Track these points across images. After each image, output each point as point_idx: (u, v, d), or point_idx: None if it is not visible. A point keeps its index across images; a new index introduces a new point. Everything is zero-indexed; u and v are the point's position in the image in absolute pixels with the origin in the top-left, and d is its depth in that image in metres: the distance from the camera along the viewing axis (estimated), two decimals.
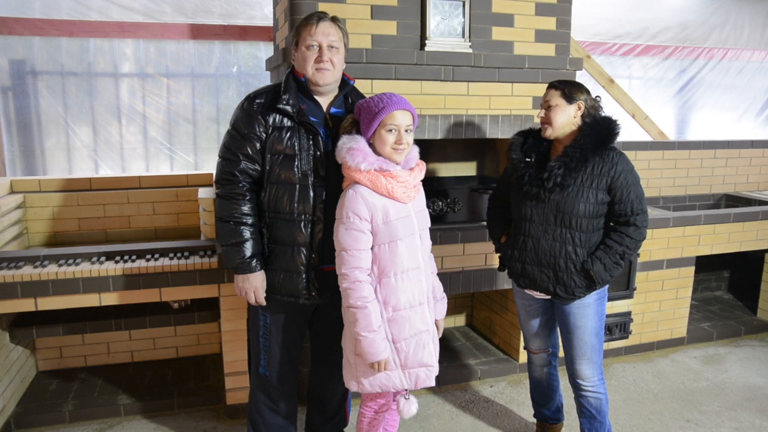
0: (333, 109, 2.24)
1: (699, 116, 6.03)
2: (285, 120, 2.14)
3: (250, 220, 2.16)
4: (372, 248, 2.02)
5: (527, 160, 2.40)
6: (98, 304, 2.74)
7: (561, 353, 2.70)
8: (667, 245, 3.70)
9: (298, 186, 2.14)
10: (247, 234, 2.15)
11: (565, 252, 2.33)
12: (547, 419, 2.82)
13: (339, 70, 2.18)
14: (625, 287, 3.64)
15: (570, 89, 2.32)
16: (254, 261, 2.16)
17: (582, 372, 2.48)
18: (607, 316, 3.56)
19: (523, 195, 2.39)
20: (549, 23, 3.22)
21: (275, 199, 2.15)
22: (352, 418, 2.74)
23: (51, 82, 3.96)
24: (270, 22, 4.12)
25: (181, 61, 4.18)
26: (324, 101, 2.23)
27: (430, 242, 2.22)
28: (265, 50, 4.31)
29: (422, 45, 3.01)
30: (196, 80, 4.24)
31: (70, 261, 2.75)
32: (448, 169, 3.67)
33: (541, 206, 2.35)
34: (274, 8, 3.44)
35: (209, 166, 4.35)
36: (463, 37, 3.07)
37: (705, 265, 4.58)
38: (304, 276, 2.18)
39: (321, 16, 2.14)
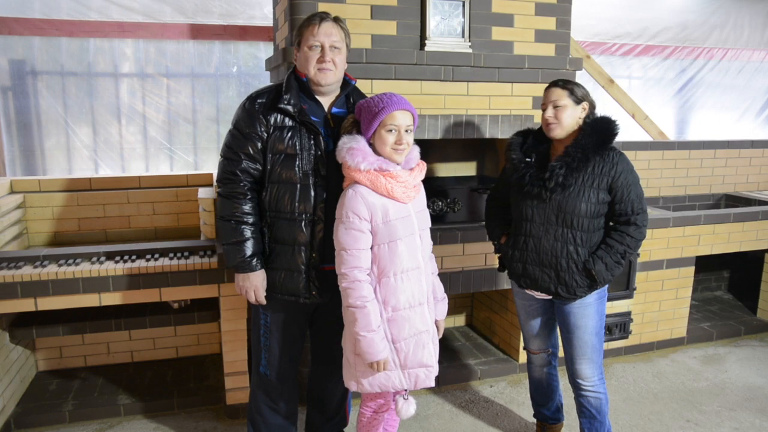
0: (335, 109, 2.25)
1: (699, 116, 6.03)
2: (286, 120, 2.15)
3: (251, 219, 2.16)
4: (372, 248, 2.03)
5: (527, 160, 2.40)
6: (98, 304, 2.74)
7: (561, 353, 2.71)
8: (667, 245, 3.70)
9: (299, 185, 2.14)
10: (248, 233, 2.16)
11: (566, 252, 2.33)
12: (547, 419, 2.82)
13: (341, 70, 2.19)
14: (624, 287, 3.64)
15: (577, 90, 2.34)
16: (255, 260, 2.17)
17: (582, 372, 2.48)
18: (607, 316, 3.57)
19: (524, 195, 2.39)
20: (549, 23, 3.22)
21: (276, 199, 2.16)
22: (352, 418, 2.74)
23: (51, 82, 3.96)
24: (270, 22, 4.12)
25: (181, 61, 4.18)
26: (325, 101, 2.23)
27: (431, 242, 2.23)
28: (265, 50, 4.31)
29: (422, 45, 3.01)
30: (196, 80, 4.24)
31: (70, 261, 2.75)
32: (447, 169, 3.67)
33: (543, 206, 2.35)
34: (274, 8, 3.44)
35: (209, 166, 4.35)
36: (463, 37, 3.07)
37: (705, 265, 4.58)
38: (304, 275, 2.19)
39: (323, 17, 2.15)
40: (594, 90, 4.97)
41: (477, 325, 4.09)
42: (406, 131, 2.04)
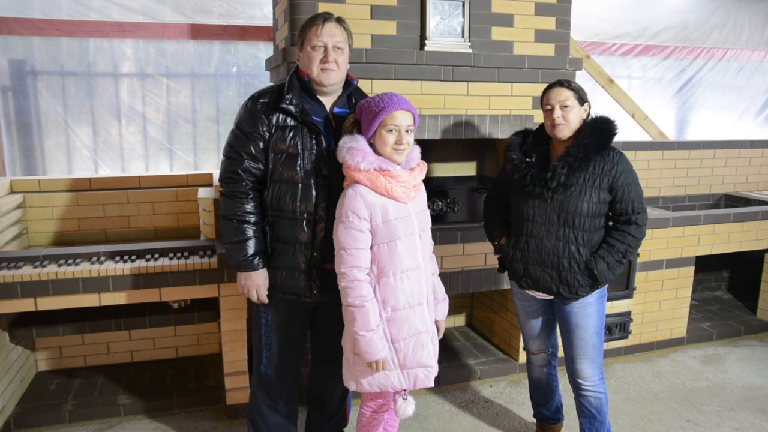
0: (337, 109, 2.25)
1: (698, 116, 6.04)
2: (288, 119, 2.16)
3: (253, 219, 2.17)
4: (371, 247, 2.03)
5: (527, 160, 2.39)
6: (98, 304, 2.74)
7: (560, 353, 2.71)
8: (667, 245, 3.71)
9: (300, 185, 2.15)
10: (249, 232, 2.17)
11: (568, 252, 2.34)
12: (547, 419, 2.82)
13: (343, 70, 2.20)
14: (624, 287, 3.64)
15: (581, 91, 2.36)
16: (257, 259, 2.18)
17: (583, 371, 2.48)
18: (607, 316, 3.57)
19: (525, 195, 2.39)
20: (549, 23, 3.22)
21: (278, 198, 2.17)
22: (352, 418, 2.74)
23: (51, 82, 3.96)
24: (270, 22, 4.12)
25: (180, 61, 4.18)
26: (327, 101, 2.24)
27: (431, 243, 2.23)
28: (264, 50, 4.31)
29: (422, 45, 3.01)
30: (196, 80, 4.24)
31: (70, 261, 2.75)
32: (447, 169, 3.67)
33: (544, 206, 2.35)
34: (274, 8, 3.44)
35: (209, 166, 4.35)
36: (463, 37, 3.07)
37: (705, 265, 4.58)
38: (305, 274, 2.20)
39: (327, 17, 2.16)
40: (594, 90, 4.97)
41: (477, 325, 4.09)
42: (407, 131, 2.04)
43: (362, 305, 1.99)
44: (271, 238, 2.22)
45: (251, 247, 2.16)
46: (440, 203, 3.40)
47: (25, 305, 2.67)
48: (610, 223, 2.43)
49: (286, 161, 2.15)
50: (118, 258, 2.82)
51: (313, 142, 2.15)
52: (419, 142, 2.18)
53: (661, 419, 3.05)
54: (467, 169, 3.71)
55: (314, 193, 2.16)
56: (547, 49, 3.24)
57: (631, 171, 2.35)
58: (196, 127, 4.28)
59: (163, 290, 2.79)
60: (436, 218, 3.36)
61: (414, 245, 2.06)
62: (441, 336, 2.28)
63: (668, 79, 5.82)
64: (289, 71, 2.79)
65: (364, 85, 2.83)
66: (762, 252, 4.24)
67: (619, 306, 3.67)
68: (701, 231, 3.77)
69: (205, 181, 3.61)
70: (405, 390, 2.14)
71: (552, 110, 2.33)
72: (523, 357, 3.45)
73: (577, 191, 2.30)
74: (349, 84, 2.28)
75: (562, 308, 2.47)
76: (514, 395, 3.28)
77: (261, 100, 2.18)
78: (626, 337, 3.74)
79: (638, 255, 3.61)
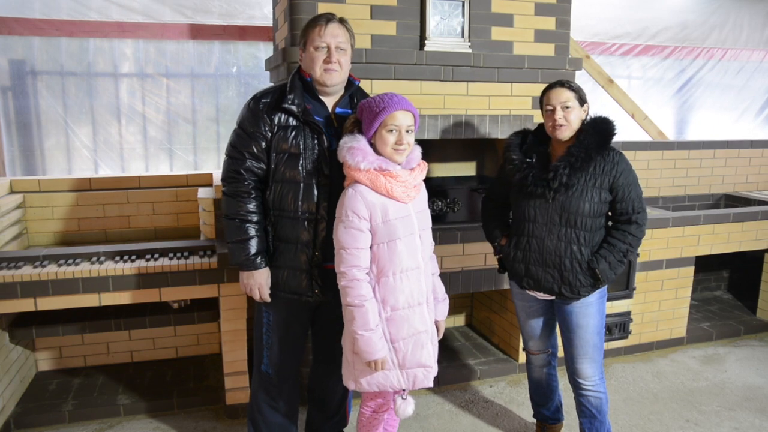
0: (339, 109, 2.26)
1: (698, 116, 6.04)
2: (290, 119, 2.17)
3: (255, 218, 2.18)
4: (371, 247, 2.03)
5: (528, 160, 2.39)
6: (98, 304, 2.74)
7: (560, 353, 2.71)
8: (667, 245, 3.71)
9: (302, 184, 2.16)
10: (252, 231, 2.18)
11: (570, 252, 2.34)
12: (547, 419, 2.82)
13: (346, 71, 2.22)
14: (624, 287, 3.64)
15: (581, 91, 2.36)
16: (259, 258, 2.19)
17: (583, 371, 2.48)
18: (607, 316, 3.57)
19: (526, 196, 2.38)
20: (548, 23, 3.22)
21: (280, 198, 2.18)
22: (352, 418, 2.74)
23: (51, 82, 3.96)
24: (269, 22, 4.12)
25: (180, 61, 4.18)
26: (329, 101, 2.25)
27: (432, 243, 2.23)
28: (264, 50, 4.31)
29: (422, 45, 3.01)
30: (196, 80, 4.24)
31: (70, 261, 2.75)
32: (447, 169, 3.67)
33: (545, 206, 2.35)
34: (274, 8, 3.44)
35: (209, 166, 4.35)
36: (463, 37, 3.07)
37: (704, 265, 4.58)
38: (307, 273, 2.20)
39: (329, 18, 2.17)
40: (594, 90, 4.97)
41: (477, 325, 4.09)
42: (407, 131, 2.04)
43: (361, 304, 1.99)
44: (273, 237, 2.23)
45: (253, 246, 2.17)
46: (440, 203, 3.40)
47: (25, 305, 2.67)
48: (610, 223, 2.44)
49: (288, 161, 2.16)
50: (118, 258, 2.82)
51: (315, 141, 2.16)
52: (419, 142, 2.18)
53: (661, 419, 3.05)
54: (467, 169, 3.72)
55: (316, 192, 2.16)
56: (547, 49, 3.24)
57: (631, 171, 2.36)
58: (195, 127, 4.28)
59: (163, 290, 2.79)
60: (436, 218, 3.36)
61: (414, 245, 2.06)
62: (441, 336, 2.28)
63: (668, 79, 5.82)
64: (288, 71, 2.80)
65: (364, 85, 2.83)
66: (762, 252, 4.24)
67: (619, 306, 3.67)
68: (701, 231, 3.77)
69: (205, 181, 3.61)
70: (404, 390, 2.14)
71: (553, 111, 2.32)
72: (522, 357, 3.45)
73: (579, 191, 2.30)
74: (351, 84, 2.30)
75: (562, 308, 2.47)
76: (513, 395, 3.28)
77: (263, 100, 2.19)
78: (626, 337, 3.74)
79: (638, 255, 3.61)
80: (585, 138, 2.30)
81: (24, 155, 4.02)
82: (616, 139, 2.37)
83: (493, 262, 3.27)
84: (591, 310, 2.43)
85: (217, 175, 3.46)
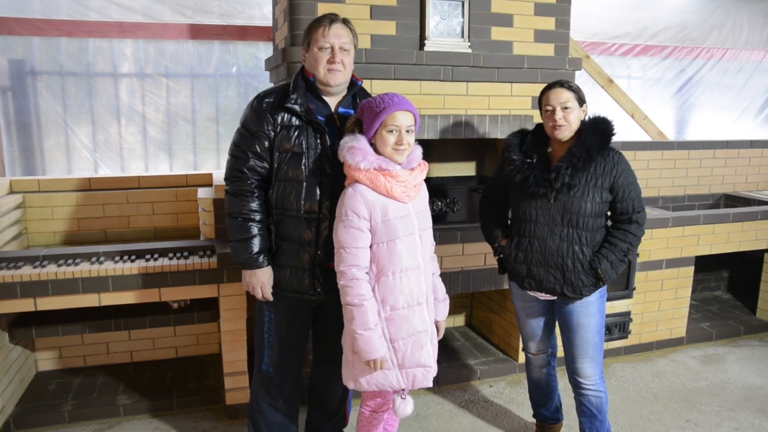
0: (341, 109, 2.27)
1: (698, 116, 6.04)
2: (293, 119, 2.18)
3: (258, 217, 2.19)
4: (371, 246, 2.03)
5: (528, 161, 2.39)
6: (98, 304, 2.74)
7: (559, 353, 2.71)
8: (667, 245, 3.71)
9: (305, 184, 2.17)
10: (255, 230, 2.18)
11: (572, 252, 2.34)
12: (547, 419, 2.82)
13: (349, 71, 2.23)
14: (624, 287, 3.64)
15: (580, 91, 2.36)
16: (261, 257, 2.20)
17: (584, 370, 2.48)
18: (607, 316, 3.57)
19: (528, 196, 2.38)
20: (548, 23, 3.22)
21: (283, 197, 2.19)
22: (352, 418, 2.74)
23: (50, 82, 3.96)
24: (269, 22, 4.12)
25: (180, 61, 4.18)
26: (332, 101, 2.26)
27: (433, 243, 2.23)
28: (264, 50, 4.31)
29: (421, 45, 3.01)
30: (196, 80, 4.24)
31: (70, 261, 2.75)
32: (447, 169, 3.67)
33: (547, 207, 2.35)
34: (274, 8, 3.44)
35: (208, 166, 4.35)
36: (463, 37, 3.07)
37: (704, 265, 4.58)
38: (309, 272, 2.21)
39: (333, 18, 2.18)
40: (593, 90, 4.97)
41: (476, 324, 4.09)
42: (408, 132, 2.04)
43: (361, 304, 1.99)
44: (275, 236, 2.24)
45: (256, 245, 2.18)
46: (440, 203, 3.40)
47: (25, 305, 2.67)
48: (609, 223, 2.44)
49: (291, 160, 2.17)
50: (117, 258, 2.82)
51: (318, 141, 2.17)
52: (419, 142, 2.18)
53: (661, 419, 3.05)
54: (467, 169, 3.72)
55: (318, 191, 2.17)
56: (547, 49, 3.25)
57: (631, 170, 2.37)
58: (195, 127, 4.28)
59: (163, 290, 2.79)
60: (436, 218, 3.35)
61: (414, 245, 2.07)
62: (441, 336, 2.28)
63: (668, 79, 5.82)
64: (288, 71, 2.80)
65: (363, 85, 2.83)
66: (761, 252, 4.24)
67: (619, 306, 3.67)
68: (701, 231, 3.77)
69: (205, 181, 3.61)
70: (404, 390, 2.14)
71: (553, 111, 2.32)
72: (522, 357, 3.44)
73: (580, 191, 2.31)
74: (353, 84, 2.31)
75: (563, 308, 2.47)
76: (513, 395, 3.28)
77: (266, 100, 2.20)
78: (626, 337, 3.74)
79: (638, 255, 3.62)
80: (586, 138, 2.30)
81: (24, 155, 4.02)
82: (615, 139, 2.37)
83: (492, 262, 3.27)
84: (592, 310, 2.43)
85: (217, 175, 3.46)
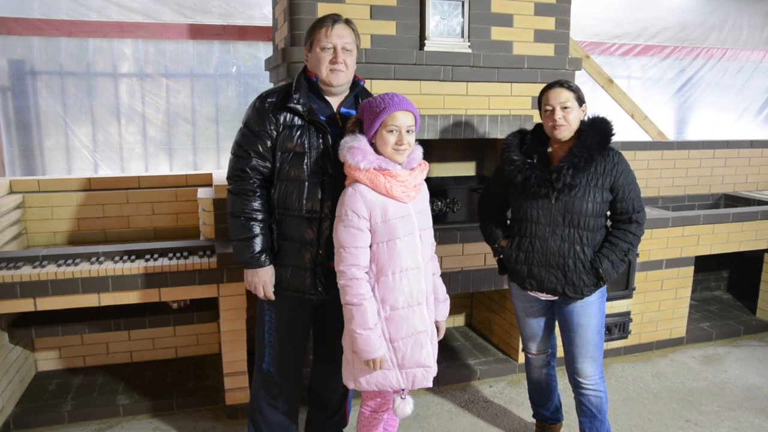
0: (343, 109, 2.28)
1: (698, 116, 6.04)
2: (296, 119, 2.19)
3: (260, 216, 2.20)
4: (370, 246, 2.03)
5: (529, 161, 2.39)
6: (97, 305, 2.74)
7: (558, 353, 2.71)
8: (667, 245, 3.71)
9: (307, 183, 2.18)
10: (257, 229, 2.19)
11: (573, 252, 2.34)
12: (547, 419, 2.82)
13: (351, 71, 2.23)
14: (624, 287, 3.64)
15: (579, 91, 2.36)
16: (263, 256, 2.20)
17: (584, 370, 2.48)
18: (607, 316, 3.56)
19: (529, 196, 2.38)
20: (548, 23, 3.22)
21: (285, 196, 2.19)
22: (352, 418, 2.74)
23: (50, 82, 3.96)
24: (269, 22, 4.12)
25: (180, 61, 4.18)
26: (334, 101, 2.27)
27: (433, 243, 2.23)
28: (264, 50, 4.31)
29: (421, 45, 3.01)
30: (196, 80, 4.24)
31: (69, 261, 2.75)
32: (447, 169, 3.67)
33: (549, 207, 2.35)
34: (274, 8, 3.44)
35: (208, 166, 4.35)
36: (462, 37, 3.07)
37: (704, 265, 4.58)
38: (310, 272, 2.21)
39: (336, 19, 2.18)
40: (593, 90, 4.97)
41: (476, 325, 4.09)
42: (408, 132, 2.04)
43: (360, 303, 1.99)
44: (277, 235, 2.24)
45: (258, 244, 2.19)
46: (439, 203, 3.40)
47: (25, 305, 2.66)
48: (608, 222, 2.44)
49: (293, 160, 2.17)
50: (117, 258, 2.82)
51: (320, 141, 2.18)
52: (419, 142, 2.18)
53: (661, 419, 3.05)
54: (466, 169, 3.72)
55: (320, 191, 2.18)
56: (547, 49, 3.24)
57: (630, 170, 2.38)
58: (195, 127, 4.28)
59: (163, 290, 2.79)
60: (436, 218, 3.35)
61: (414, 245, 2.07)
62: (441, 337, 2.28)
63: (667, 79, 5.82)
64: (288, 71, 2.80)
65: (364, 85, 2.84)
66: (761, 252, 4.24)
67: (619, 306, 3.67)
68: (701, 231, 3.77)
69: (205, 181, 3.61)
70: (403, 389, 2.14)
71: (553, 111, 2.32)
72: (522, 357, 3.44)
73: (581, 192, 2.31)
74: (356, 85, 2.31)
75: (563, 308, 2.47)
76: (513, 395, 3.28)
77: (269, 99, 2.21)
78: (626, 337, 3.74)
79: (638, 255, 3.61)
80: (586, 138, 2.30)
81: (23, 155, 4.01)
82: (615, 139, 2.37)
83: (492, 262, 3.27)
84: (592, 309, 2.43)
85: (217, 175, 3.46)
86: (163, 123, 4.21)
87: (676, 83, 5.86)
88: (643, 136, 5.07)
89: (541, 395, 2.77)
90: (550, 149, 2.44)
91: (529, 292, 2.51)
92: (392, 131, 2.02)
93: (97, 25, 3.95)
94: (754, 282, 4.41)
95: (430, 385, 2.15)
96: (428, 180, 2.27)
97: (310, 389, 2.60)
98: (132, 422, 2.98)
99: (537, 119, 3.21)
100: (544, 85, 2.44)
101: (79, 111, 4.05)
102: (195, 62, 4.21)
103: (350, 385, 2.16)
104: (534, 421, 2.91)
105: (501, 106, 3.19)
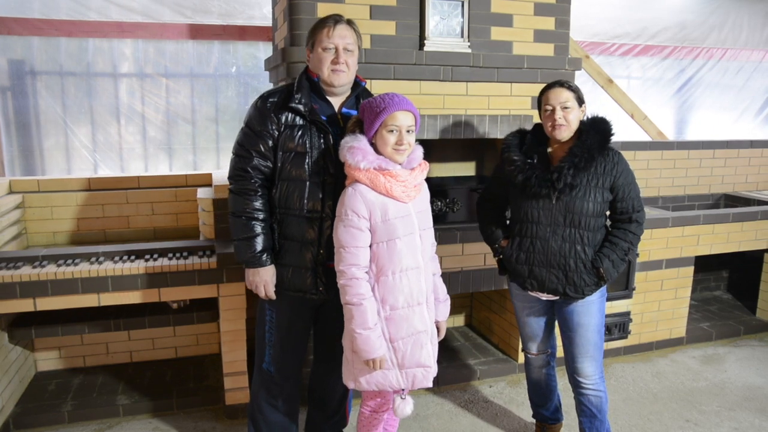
0: (345, 109, 2.29)
1: (698, 116, 6.04)
2: (297, 118, 2.19)
3: (261, 216, 2.20)
4: (370, 246, 2.03)
5: (529, 161, 2.39)
6: (97, 305, 2.73)
7: (558, 353, 2.71)
8: (666, 245, 3.71)
9: (308, 183, 2.18)
10: (258, 229, 2.19)
11: (574, 252, 2.34)
12: (546, 419, 2.82)
13: (353, 71, 2.24)
14: (624, 287, 3.64)
15: (579, 91, 2.37)
16: (264, 255, 2.20)
17: (584, 370, 2.48)
18: (607, 316, 3.56)
19: (529, 197, 2.38)
20: (548, 23, 3.22)
21: (286, 196, 2.20)
22: (352, 419, 2.74)
23: (50, 82, 3.96)
24: (269, 22, 4.12)
25: (180, 61, 4.18)
26: (336, 101, 2.27)
27: (434, 243, 2.23)
28: (264, 50, 4.31)
29: (421, 45, 3.01)
30: (195, 80, 4.24)
31: (69, 261, 2.74)
32: (447, 169, 3.67)
33: (549, 207, 2.35)
34: (273, 8, 3.44)
35: (208, 166, 4.35)
36: (462, 37, 3.07)
37: (704, 265, 4.58)
38: (311, 271, 2.22)
39: (337, 19, 2.19)
40: (593, 90, 4.97)
41: (476, 325, 4.09)
42: (408, 132, 2.05)
43: (360, 303, 1.99)
44: (278, 235, 2.25)
45: (259, 243, 2.19)
46: (439, 203, 3.40)
47: (24, 305, 2.66)
48: (608, 222, 2.44)
49: (295, 159, 2.18)
50: (117, 258, 2.82)
51: (321, 141, 2.18)
52: (419, 142, 2.18)
53: (661, 419, 3.05)
54: (466, 169, 3.72)
55: (321, 191, 2.18)
56: (547, 49, 3.24)
57: (630, 170, 2.38)
58: (195, 127, 4.28)
59: (163, 290, 2.79)
60: (436, 218, 3.35)
61: (414, 245, 2.07)
62: (442, 337, 2.28)
63: (667, 79, 5.82)
64: (288, 71, 2.80)
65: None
66: (761, 252, 4.24)
67: (619, 306, 3.67)
68: (701, 231, 3.77)
69: (205, 181, 3.60)
70: (403, 389, 2.14)
71: (553, 111, 2.32)
72: (522, 357, 3.43)
73: (582, 191, 2.31)
74: (357, 85, 2.32)
75: (564, 308, 2.47)
76: (513, 395, 3.28)
77: (271, 99, 2.22)
78: (626, 337, 3.74)
79: (638, 255, 3.61)
80: (587, 138, 2.30)
81: (23, 155, 4.01)
82: (615, 139, 2.38)
83: (492, 262, 3.27)
84: (592, 309, 2.43)
85: (217, 175, 3.46)
86: (162, 123, 4.20)
87: (675, 83, 5.86)
88: (642, 136, 5.07)
89: (541, 395, 2.77)
90: (549, 149, 2.44)
91: (530, 293, 2.51)
92: (392, 131, 2.02)
93: (97, 25, 3.95)
94: (754, 282, 4.40)
95: (430, 385, 2.15)
96: (428, 180, 2.27)
97: (310, 389, 2.60)
98: (132, 422, 2.98)
99: (537, 119, 3.21)
100: (543, 85, 2.44)
101: (79, 111, 4.05)
102: (195, 62, 4.21)
103: (350, 385, 2.16)
104: (534, 421, 2.91)
105: (501, 106, 3.19)
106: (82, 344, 3.43)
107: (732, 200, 4.65)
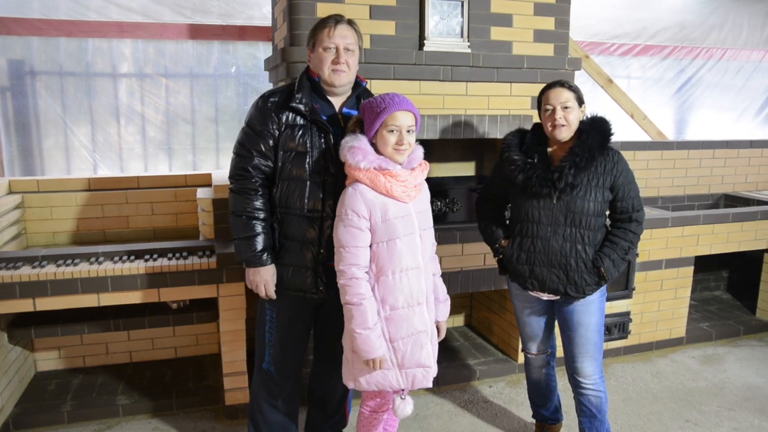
0: (345, 110, 2.29)
1: (698, 116, 6.04)
2: (298, 118, 2.20)
3: (261, 215, 2.20)
4: (370, 246, 2.03)
5: (529, 161, 2.39)
6: (97, 305, 2.73)
7: (558, 353, 2.70)
8: (666, 245, 3.71)
9: (308, 183, 2.18)
10: (258, 228, 2.19)
11: (575, 251, 2.34)
12: (546, 419, 2.82)
13: (354, 71, 2.24)
14: (624, 287, 3.64)
15: (579, 91, 2.37)
16: (265, 254, 2.21)
17: (584, 369, 2.48)
18: (606, 316, 3.55)
19: (530, 196, 2.37)
20: (548, 23, 3.22)
21: (286, 195, 2.20)
22: (352, 419, 2.74)
23: (49, 82, 3.96)
24: (269, 22, 4.11)
25: (179, 61, 4.18)
26: (337, 101, 2.28)
27: (434, 243, 2.23)
28: (263, 50, 4.31)
29: (421, 45, 3.01)
30: (195, 80, 4.24)
31: (69, 261, 2.74)
32: (446, 169, 3.67)
33: (550, 207, 2.35)
34: (273, 8, 3.44)
35: (208, 166, 4.35)
36: (462, 37, 3.07)
37: (704, 265, 4.58)
38: (312, 271, 2.22)
39: (338, 19, 2.19)
40: (593, 90, 4.97)
41: (476, 325, 4.09)
42: (408, 132, 2.05)
43: (360, 303, 2.00)
44: (279, 234, 2.25)
45: (260, 242, 2.19)
46: (439, 203, 3.40)
47: (24, 306, 2.66)
48: (608, 221, 2.44)
49: (295, 159, 2.18)
50: (116, 258, 2.82)
51: (322, 140, 2.19)
52: (419, 142, 2.18)
53: (661, 419, 3.05)
54: (466, 169, 3.72)
55: (321, 190, 2.19)
56: (546, 49, 3.24)
57: (629, 170, 2.39)
58: (195, 127, 4.28)
59: (162, 290, 2.79)
60: (436, 218, 3.34)
61: (414, 245, 2.06)
62: (442, 337, 2.28)
63: (667, 79, 5.82)
64: (288, 71, 2.80)
65: None
66: (761, 252, 4.24)
67: (619, 306, 3.67)
68: (700, 231, 3.77)
69: (204, 181, 3.60)
70: (403, 390, 2.14)
71: (553, 111, 2.32)
72: (522, 357, 3.44)
73: (583, 191, 2.31)
74: (358, 85, 2.32)
75: (564, 307, 2.47)
76: (513, 395, 3.28)
77: (271, 99, 2.22)
78: (625, 337, 3.74)
79: (638, 255, 3.61)
80: (587, 138, 2.31)
81: (23, 155, 4.01)
82: (615, 139, 2.38)
83: (492, 262, 3.27)
84: (592, 308, 2.44)
85: (216, 175, 3.46)
86: (162, 123, 4.20)
87: (675, 83, 5.86)
88: (642, 136, 5.07)
89: (541, 395, 2.77)
90: (549, 149, 2.43)
91: (531, 293, 2.51)
92: (393, 131, 2.02)
93: (97, 25, 3.95)
94: (754, 282, 4.41)
95: (430, 385, 2.15)
96: (428, 180, 2.27)
97: (310, 389, 2.60)
98: (131, 422, 2.98)
99: (537, 119, 3.20)
100: (543, 85, 2.44)
101: (79, 111, 4.04)
102: (194, 62, 4.21)
103: (350, 385, 2.16)
104: (533, 421, 2.91)
105: (500, 106, 3.19)
106: (81, 344, 3.43)
107: (732, 200, 4.65)
